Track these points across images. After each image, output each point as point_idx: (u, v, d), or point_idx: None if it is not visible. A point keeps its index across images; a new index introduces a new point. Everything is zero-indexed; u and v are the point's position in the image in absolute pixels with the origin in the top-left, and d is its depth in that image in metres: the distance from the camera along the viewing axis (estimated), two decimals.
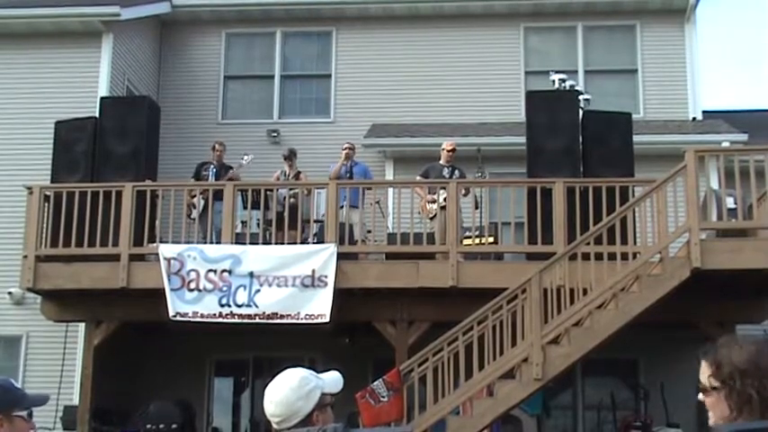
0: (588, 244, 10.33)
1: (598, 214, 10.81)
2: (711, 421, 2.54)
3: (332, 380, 3.08)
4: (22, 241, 12.08)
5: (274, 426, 2.98)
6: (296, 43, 16.76)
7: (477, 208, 12.18)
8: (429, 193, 12.19)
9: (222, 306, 11.19)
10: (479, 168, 12.87)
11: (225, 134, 14.99)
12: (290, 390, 2.95)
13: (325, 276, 11.16)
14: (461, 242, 11.73)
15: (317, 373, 3.11)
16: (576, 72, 15.59)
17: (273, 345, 13.06)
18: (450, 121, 15.35)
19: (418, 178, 12.68)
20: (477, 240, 11.87)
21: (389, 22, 16.44)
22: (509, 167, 13.57)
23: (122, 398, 13.34)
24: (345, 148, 13.07)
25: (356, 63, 16.34)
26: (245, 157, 13.27)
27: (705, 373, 2.53)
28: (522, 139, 12.45)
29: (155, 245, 11.77)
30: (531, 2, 16.17)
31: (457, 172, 12.46)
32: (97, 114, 12.84)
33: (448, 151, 12.66)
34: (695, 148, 10.86)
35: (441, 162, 12.68)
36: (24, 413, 3.30)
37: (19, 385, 3.41)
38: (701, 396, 2.57)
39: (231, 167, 13.24)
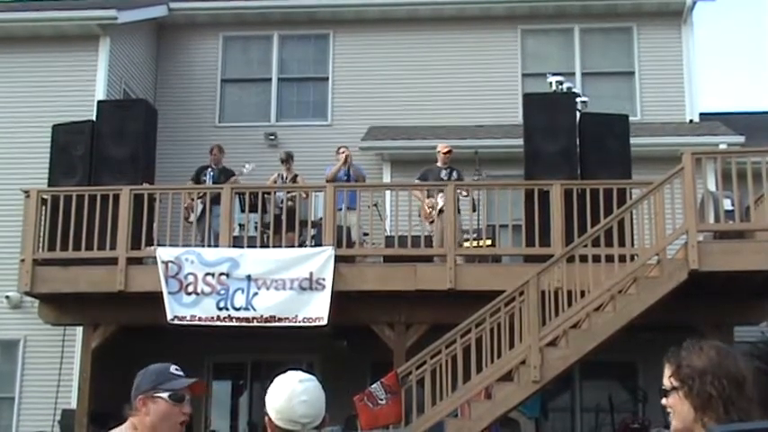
0: (586, 246, 10.33)
1: (596, 216, 10.81)
2: (673, 426, 2.56)
3: None
4: (19, 245, 12.08)
5: (297, 428, 2.86)
6: (293, 46, 16.75)
7: (474, 210, 12.18)
8: (428, 196, 12.17)
9: (220, 309, 11.19)
10: (477, 171, 12.87)
11: (222, 137, 14.97)
12: (318, 390, 2.91)
13: (323, 279, 11.15)
14: (461, 245, 11.72)
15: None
16: (573, 74, 15.60)
17: (271, 348, 13.03)
18: (447, 123, 15.34)
19: (416, 182, 12.66)
20: (474, 243, 11.88)
21: (387, 24, 16.43)
22: (506, 170, 13.57)
23: (120, 401, 13.25)
24: (343, 152, 13.02)
25: (353, 66, 16.33)
26: (247, 166, 13.22)
27: (666, 374, 2.58)
28: (520, 142, 12.46)
29: (152, 248, 11.75)
30: (528, 4, 16.17)
31: (455, 173, 12.44)
32: (94, 118, 12.83)
33: (444, 153, 12.62)
34: (692, 150, 10.87)
35: (438, 164, 12.65)
36: (165, 395, 3.28)
37: (177, 370, 3.36)
38: (663, 400, 2.59)
39: (232, 172, 13.20)
